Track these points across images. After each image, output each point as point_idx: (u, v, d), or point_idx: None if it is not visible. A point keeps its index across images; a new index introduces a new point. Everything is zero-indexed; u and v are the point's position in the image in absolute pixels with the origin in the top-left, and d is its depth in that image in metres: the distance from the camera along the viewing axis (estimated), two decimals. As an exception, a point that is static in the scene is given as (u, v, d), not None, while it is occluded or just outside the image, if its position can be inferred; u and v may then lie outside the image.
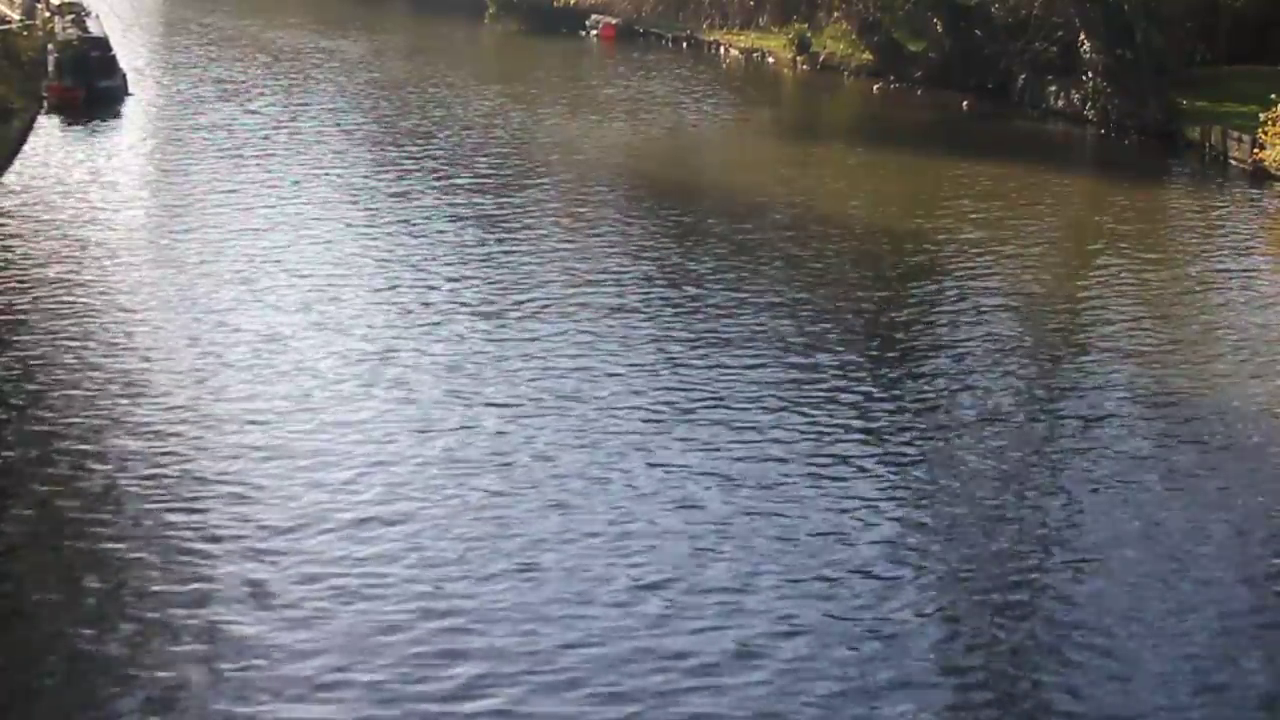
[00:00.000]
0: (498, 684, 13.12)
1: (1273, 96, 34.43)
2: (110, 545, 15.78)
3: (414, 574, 15.06)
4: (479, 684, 13.13)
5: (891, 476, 17.68)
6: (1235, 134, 36.53)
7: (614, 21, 65.85)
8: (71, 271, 26.49)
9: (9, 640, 13.97)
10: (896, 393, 20.60)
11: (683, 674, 13.21)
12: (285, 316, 23.84)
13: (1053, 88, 44.83)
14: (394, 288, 25.47)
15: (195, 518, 16.34)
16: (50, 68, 45.76)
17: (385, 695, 12.98)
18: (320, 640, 13.78)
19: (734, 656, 13.52)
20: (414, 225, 30.20)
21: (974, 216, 31.27)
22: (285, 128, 41.49)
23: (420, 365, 21.43)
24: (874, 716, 12.72)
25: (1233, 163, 36.35)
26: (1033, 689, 13.29)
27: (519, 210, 31.76)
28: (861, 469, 17.84)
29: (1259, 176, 34.71)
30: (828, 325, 23.79)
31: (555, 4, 67.93)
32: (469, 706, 12.84)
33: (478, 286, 25.54)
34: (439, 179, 34.88)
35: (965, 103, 46.03)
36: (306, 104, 46.14)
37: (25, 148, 38.08)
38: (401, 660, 13.47)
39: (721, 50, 60.40)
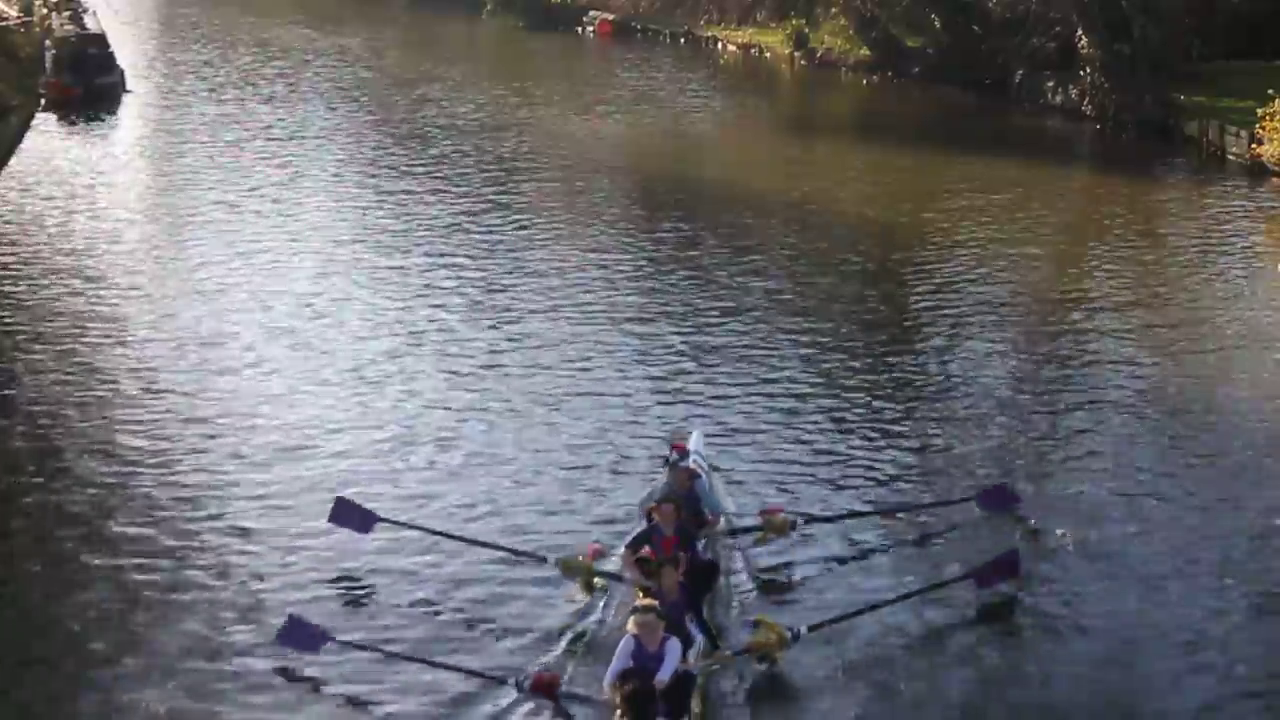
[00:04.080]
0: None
1: (1270, 92, 34.41)
2: (111, 543, 15.85)
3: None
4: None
5: (889, 468, 17.72)
6: (1233, 129, 36.52)
7: (610, 17, 65.86)
8: (69, 267, 26.51)
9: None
10: (893, 386, 20.61)
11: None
12: (282, 311, 23.88)
13: (1050, 83, 44.85)
14: (390, 282, 25.52)
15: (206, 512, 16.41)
16: (48, 64, 45.78)
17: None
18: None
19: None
20: (410, 219, 30.25)
21: (971, 211, 31.28)
22: (283, 124, 41.49)
23: (414, 360, 21.50)
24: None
25: (1230, 158, 36.35)
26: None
27: (515, 207, 31.74)
28: (859, 460, 17.91)
29: (1257, 172, 34.70)
30: (825, 320, 23.81)
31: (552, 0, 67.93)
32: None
33: (475, 282, 25.56)
34: (436, 175, 34.86)
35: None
36: (304, 101, 46.14)
37: (23, 144, 38.07)
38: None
39: (719, 46, 60.38)
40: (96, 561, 15.38)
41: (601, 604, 14.01)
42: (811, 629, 13.20)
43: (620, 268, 26.88)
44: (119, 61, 47.73)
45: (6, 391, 20.46)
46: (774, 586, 14.70)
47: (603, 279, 25.93)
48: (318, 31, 63.00)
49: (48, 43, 47.68)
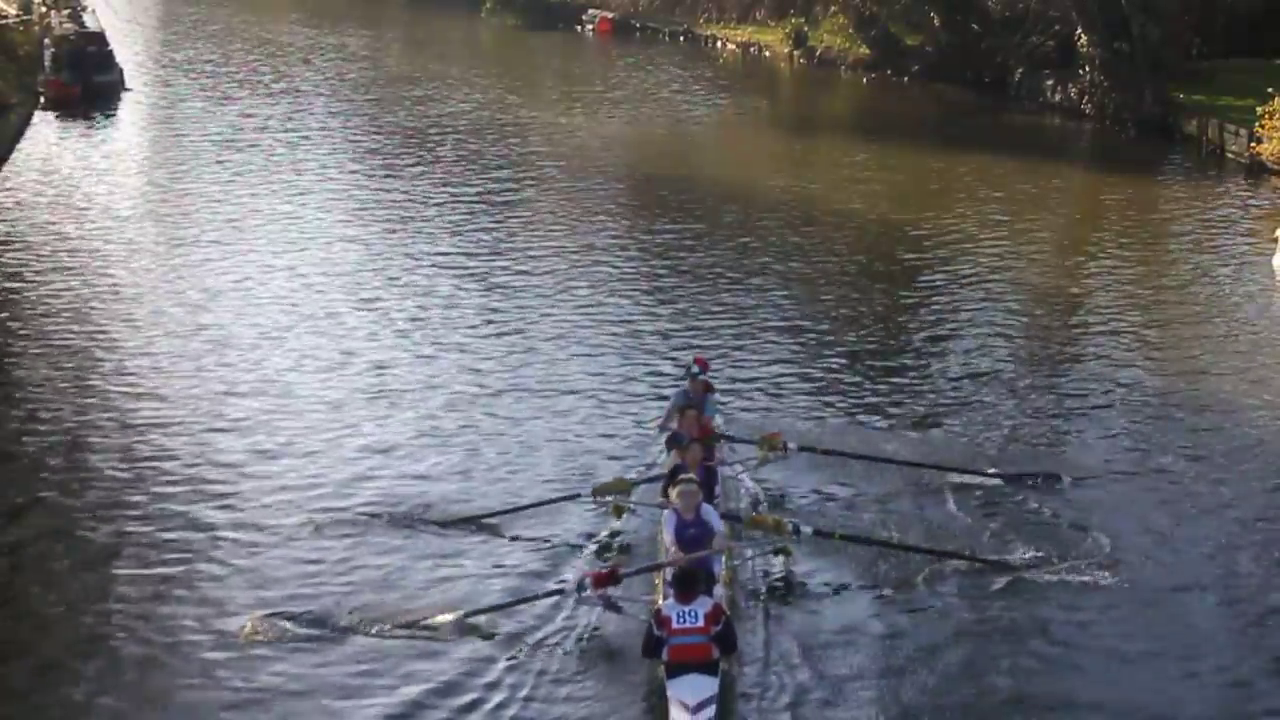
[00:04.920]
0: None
1: (1269, 90, 34.44)
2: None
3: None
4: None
5: (889, 462, 17.68)
6: (1232, 128, 36.57)
7: (610, 16, 65.94)
8: (68, 265, 26.50)
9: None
10: (890, 380, 20.62)
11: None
12: (280, 310, 23.87)
13: (1050, 81, 44.91)
14: (389, 278, 25.52)
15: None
16: (47, 62, 45.81)
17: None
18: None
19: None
20: (410, 218, 30.25)
21: (970, 210, 31.31)
22: (282, 122, 41.52)
23: (414, 353, 21.51)
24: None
25: (1229, 156, 36.40)
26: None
27: (514, 204, 31.78)
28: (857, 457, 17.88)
29: (1256, 170, 34.74)
30: (822, 316, 23.81)
31: (551, -2, 68.06)
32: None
33: (474, 280, 25.57)
34: (435, 173, 34.89)
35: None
36: (304, 99, 46.18)
37: (22, 143, 38.08)
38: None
39: (718, 44, 60.46)
40: (102, 553, 15.36)
41: (634, 522, 15.15)
42: (816, 533, 14.39)
43: (618, 265, 26.88)
44: (118, 60, 47.77)
45: (5, 389, 20.44)
46: (775, 503, 15.90)
47: (601, 276, 25.91)
48: (317, 30, 63.07)
49: (47, 41, 47.72)
